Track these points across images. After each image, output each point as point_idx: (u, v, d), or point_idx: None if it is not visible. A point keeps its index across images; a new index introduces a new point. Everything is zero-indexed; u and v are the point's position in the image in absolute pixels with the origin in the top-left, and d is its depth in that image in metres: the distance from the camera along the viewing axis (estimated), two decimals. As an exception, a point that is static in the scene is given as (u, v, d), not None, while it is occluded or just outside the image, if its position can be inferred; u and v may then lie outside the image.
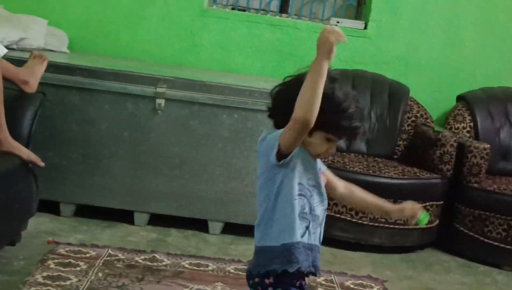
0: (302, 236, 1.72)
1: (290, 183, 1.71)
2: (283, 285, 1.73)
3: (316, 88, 1.55)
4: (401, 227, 3.75)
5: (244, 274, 3.03)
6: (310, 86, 1.56)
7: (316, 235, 1.78)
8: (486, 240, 3.81)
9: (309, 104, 1.56)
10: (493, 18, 4.50)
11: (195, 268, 3.12)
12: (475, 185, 3.89)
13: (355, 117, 1.70)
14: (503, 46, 4.55)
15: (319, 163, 1.81)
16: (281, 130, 1.66)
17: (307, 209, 1.74)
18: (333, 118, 1.68)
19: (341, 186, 1.95)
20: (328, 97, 1.63)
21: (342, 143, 3.71)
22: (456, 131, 4.19)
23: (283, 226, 1.73)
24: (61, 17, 4.21)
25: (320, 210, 1.78)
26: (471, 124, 4.25)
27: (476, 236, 3.84)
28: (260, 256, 1.77)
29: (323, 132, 1.70)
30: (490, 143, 4.03)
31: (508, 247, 3.77)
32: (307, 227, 1.74)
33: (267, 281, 1.74)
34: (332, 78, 1.67)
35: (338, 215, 3.73)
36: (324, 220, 1.81)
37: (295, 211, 1.71)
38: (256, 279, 1.77)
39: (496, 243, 3.78)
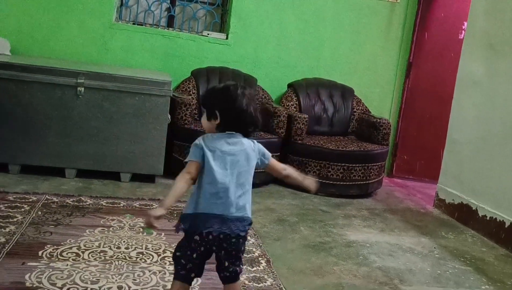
0: None
1: None
2: None
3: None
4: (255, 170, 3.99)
5: (144, 206, 3.22)
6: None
7: None
8: (328, 181, 4.02)
9: None
10: (308, 30, 4.68)
11: (110, 205, 3.18)
12: (299, 141, 4.12)
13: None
14: (316, 49, 4.73)
15: None
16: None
17: None
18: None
19: None
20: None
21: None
22: (287, 107, 4.38)
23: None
24: (3, 28, 4.09)
25: None
26: (296, 102, 4.45)
27: (321, 180, 3.94)
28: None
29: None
30: (308, 114, 4.29)
31: (320, 180, 3.88)
32: None
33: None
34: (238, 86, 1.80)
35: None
36: None
37: None
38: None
39: (335, 183, 4.04)
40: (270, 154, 1.89)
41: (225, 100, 1.77)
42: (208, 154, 1.72)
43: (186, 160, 1.76)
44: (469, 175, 3.87)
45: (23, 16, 4.17)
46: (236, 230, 1.74)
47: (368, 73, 4.94)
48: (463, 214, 3.85)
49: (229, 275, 1.83)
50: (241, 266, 1.85)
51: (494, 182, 3.61)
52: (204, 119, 1.83)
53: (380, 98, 5.00)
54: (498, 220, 3.50)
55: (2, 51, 3.89)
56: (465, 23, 4.38)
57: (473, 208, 3.75)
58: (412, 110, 5.04)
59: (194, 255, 1.77)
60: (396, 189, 4.71)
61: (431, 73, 4.97)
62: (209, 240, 1.74)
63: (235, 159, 1.75)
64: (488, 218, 3.59)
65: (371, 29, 4.88)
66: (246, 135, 1.82)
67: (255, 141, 1.84)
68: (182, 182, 1.71)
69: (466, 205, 3.83)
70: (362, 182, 4.15)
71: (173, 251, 1.85)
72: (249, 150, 1.79)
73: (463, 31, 4.75)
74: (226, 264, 1.81)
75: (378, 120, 4.39)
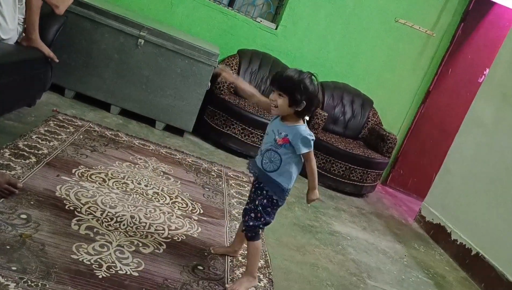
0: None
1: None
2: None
3: None
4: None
5: (169, 154, 3.24)
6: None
7: None
8: (329, 175, 3.99)
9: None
10: (349, 39, 4.56)
11: (141, 146, 3.19)
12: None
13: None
14: (351, 58, 4.60)
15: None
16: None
17: None
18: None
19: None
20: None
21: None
22: (311, 102, 4.41)
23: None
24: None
25: None
26: (321, 100, 4.34)
27: (323, 172, 3.90)
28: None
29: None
30: (328, 113, 4.20)
31: (323, 172, 3.85)
32: None
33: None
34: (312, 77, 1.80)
35: (232, 134, 3.79)
36: None
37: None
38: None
39: (335, 178, 4.01)
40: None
41: (313, 91, 1.80)
42: None
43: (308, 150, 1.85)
44: (453, 203, 3.80)
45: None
46: None
47: (390, 91, 4.83)
48: (438, 233, 3.80)
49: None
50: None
51: (474, 215, 3.54)
52: (284, 103, 1.82)
53: (394, 115, 4.90)
54: (466, 247, 3.45)
55: (83, -9, 3.82)
56: (487, 70, 4.24)
57: (448, 231, 3.70)
58: (419, 133, 4.95)
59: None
60: (386, 197, 4.66)
61: (445, 106, 4.85)
62: None
63: None
64: (458, 242, 3.54)
65: (404, 53, 4.75)
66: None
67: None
68: None
69: (442, 226, 3.78)
70: (358, 183, 4.10)
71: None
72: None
73: (483, 76, 4.61)
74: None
75: (387, 134, 4.32)
